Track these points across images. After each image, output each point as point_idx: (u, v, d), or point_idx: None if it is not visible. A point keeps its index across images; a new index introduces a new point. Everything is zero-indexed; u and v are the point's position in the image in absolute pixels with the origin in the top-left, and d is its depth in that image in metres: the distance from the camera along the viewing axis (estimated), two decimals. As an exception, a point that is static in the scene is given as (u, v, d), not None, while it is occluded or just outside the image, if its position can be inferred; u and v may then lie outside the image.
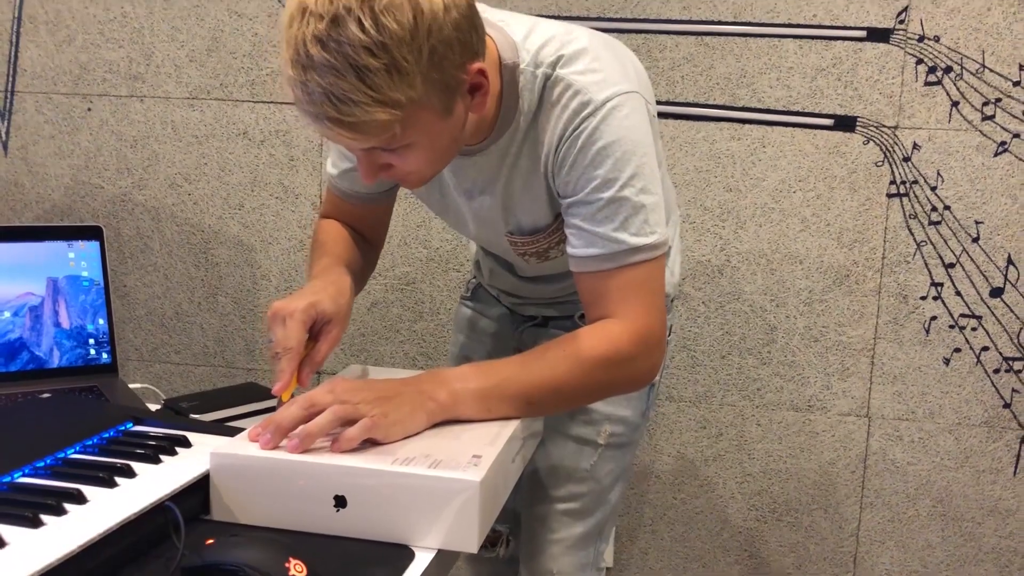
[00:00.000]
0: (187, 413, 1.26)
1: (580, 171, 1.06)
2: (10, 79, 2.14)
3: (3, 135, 2.16)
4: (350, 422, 0.93)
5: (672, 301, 1.40)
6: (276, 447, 0.92)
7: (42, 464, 0.90)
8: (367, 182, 1.06)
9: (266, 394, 1.39)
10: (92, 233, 1.53)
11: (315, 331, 1.08)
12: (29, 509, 0.78)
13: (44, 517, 0.78)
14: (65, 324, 1.51)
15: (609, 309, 1.08)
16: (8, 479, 0.85)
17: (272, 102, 2.06)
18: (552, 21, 1.15)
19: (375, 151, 1.00)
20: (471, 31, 0.97)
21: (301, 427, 0.92)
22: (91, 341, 1.53)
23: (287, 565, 0.78)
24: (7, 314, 1.46)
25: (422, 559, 0.86)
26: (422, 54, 0.91)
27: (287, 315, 1.04)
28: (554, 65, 1.07)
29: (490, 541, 1.72)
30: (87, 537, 0.75)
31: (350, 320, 2.08)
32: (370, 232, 1.34)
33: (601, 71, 1.07)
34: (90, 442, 0.97)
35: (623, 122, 1.06)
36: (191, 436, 1.01)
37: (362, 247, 1.31)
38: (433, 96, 0.95)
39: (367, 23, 0.88)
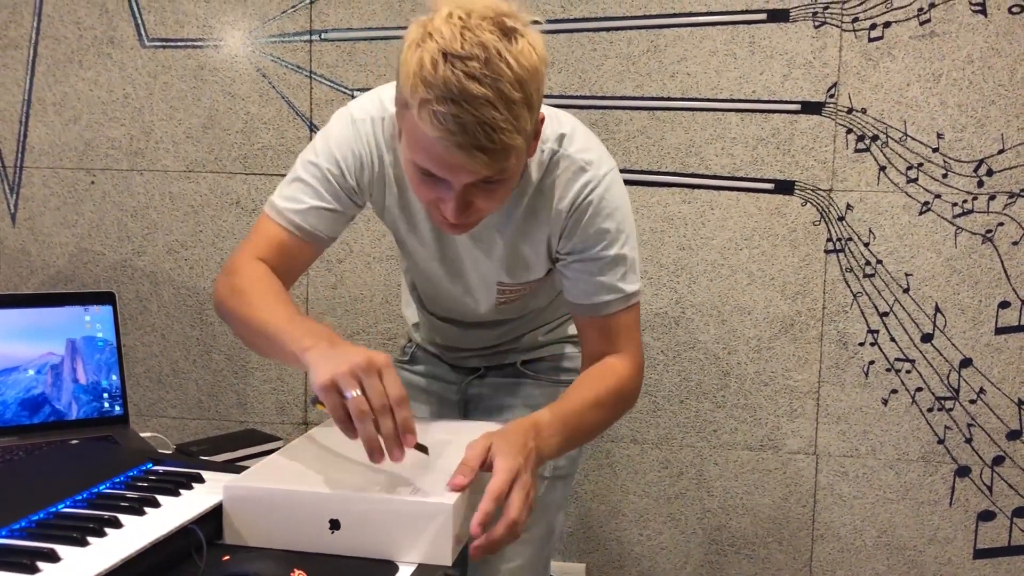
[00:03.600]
0: (197, 455, 1.42)
1: (588, 234, 1.27)
2: (19, 155, 2.31)
3: (12, 207, 2.32)
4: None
5: None
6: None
7: (80, 497, 1.05)
8: (455, 220, 1.16)
9: (265, 438, 1.54)
10: (106, 298, 1.70)
11: None
12: (76, 531, 0.93)
13: (89, 538, 0.93)
14: (82, 380, 1.67)
15: (613, 347, 1.31)
16: (54, 509, 1.01)
17: (263, 174, 2.24)
18: None
19: (472, 188, 1.12)
20: None
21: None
22: (105, 395, 1.69)
23: (292, 574, 0.94)
24: (31, 372, 1.63)
25: (405, 572, 1.01)
26: (539, 93, 1.10)
27: (382, 367, 1.05)
28: (559, 142, 1.27)
29: None
30: (126, 553, 0.91)
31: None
32: (292, 277, 1.34)
33: (593, 149, 1.29)
34: (117, 479, 1.12)
35: (618, 192, 1.29)
36: (204, 473, 1.17)
37: None
38: (532, 132, 1.14)
39: (512, 62, 1.05)
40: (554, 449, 1.19)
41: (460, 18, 1.06)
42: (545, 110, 1.28)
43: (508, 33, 1.06)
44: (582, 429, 1.24)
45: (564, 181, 1.26)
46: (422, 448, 1.06)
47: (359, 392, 1.02)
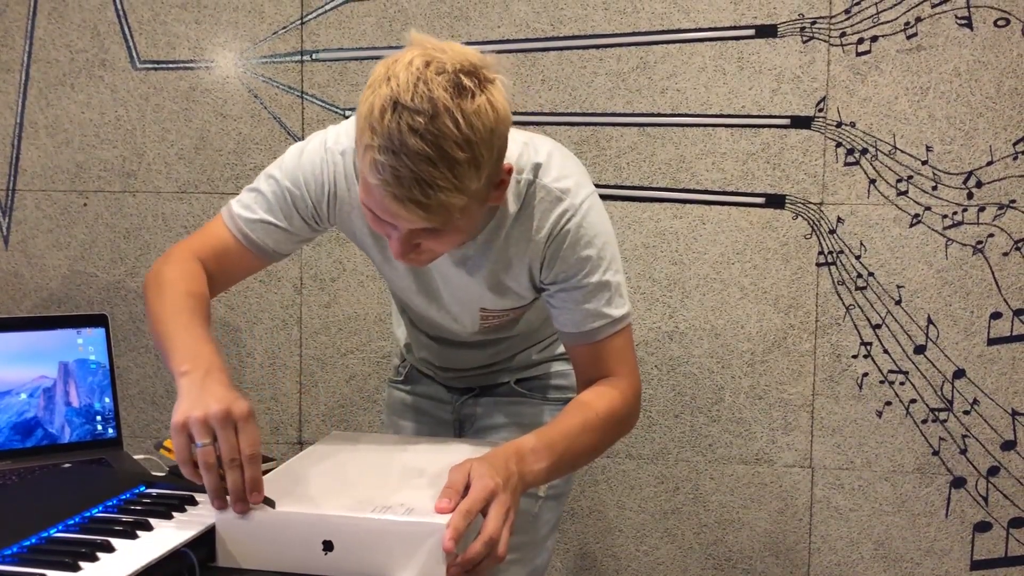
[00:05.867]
0: (190, 478, 1.41)
1: (569, 263, 1.26)
2: (11, 178, 2.31)
3: (4, 230, 2.32)
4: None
5: None
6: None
7: (72, 522, 1.05)
8: (399, 259, 1.16)
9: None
10: (98, 320, 1.70)
11: None
12: (68, 556, 0.93)
13: (81, 563, 0.93)
14: (75, 403, 1.67)
15: (606, 371, 1.30)
16: (46, 534, 1.01)
17: (255, 194, 2.24)
18: (515, 130, 1.29)
19: (418, 231, 1.11)
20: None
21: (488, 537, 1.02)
22: (98, 418, 1.69)
23: (285, 596, 0.93)
24: (23, 395, 1.63)
25: (399, 593, 1.02)
26: (493, 152, 1.08)
27: (239, 419, 1.04)
28: (534, 172, 1.25)
29: None
30: (118, 578, 0.91)
31: (329, 392, 2.22)
32: (229, 280, 1.37)
33: (570, 176, 1.27)
34: (110, 503, 1.12)
35: (596, 218, 1.27)
36: (196, 496, 1.17)
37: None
38: (485, 188, 1.11)
39: (461, 121, 1.03)
40: (541, 475, 1.17)
41: (419, 68, 1.04)
42: (520, 136, 1.28)
43: (463, 91, 1.04)
44: (571, 454, 1.22)
45: (541, 212, 1.25)
46: (269, 502, 1.04)
47: (209, 442, 1.03)
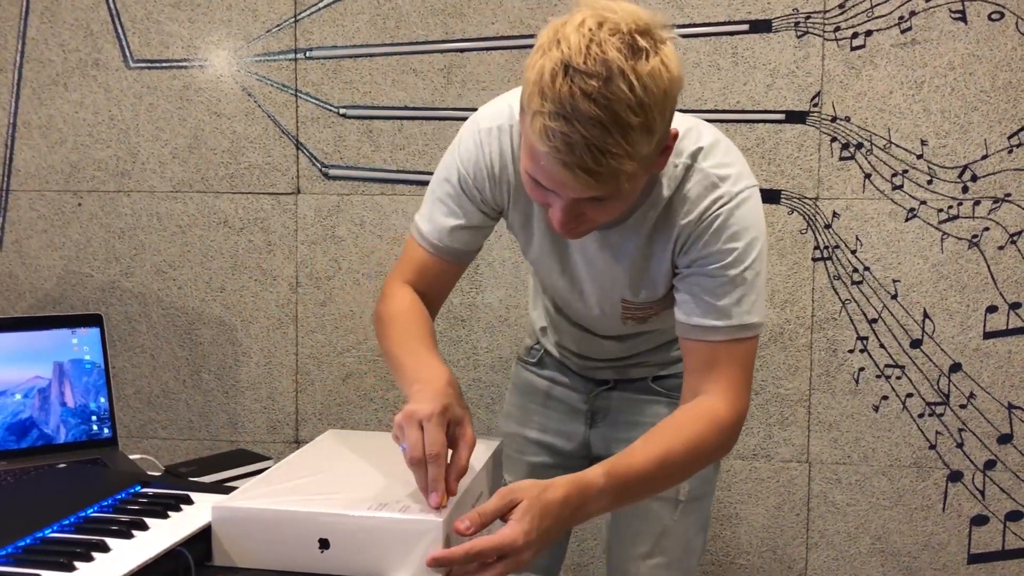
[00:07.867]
0: (186, 476, 1.41)
1: (711, 248, 1.18)
2: (5, 179, 2.31)
3: (-1, 230, 2.32)
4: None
5: None
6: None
7: (67, 522, 1.05)
8: (559, 229, 1.12)
9: (254, 458, 1.54)
10: (93, 320, 1.70)
11: (448, 434, 1.08)
12: (63, 557, 0.93)
13: (76, 563, 0.93)
14: (70, 403, 1.66)
15: (715, 382, 1.19)
16: (41, 534, 1.00)
17: (250, 193, 2.23)
18: (679, 115, 1.17)
19: (582, 200, 1.07)
20: None
21: None
22: (93, 418, 1.69)
23: (281, 595, 0.93)
24: (18, 396, 1.62)
25: (396, 591, 1.01)
26: (665, 116, 1.03)
27: (424, 419, 1.04)
28: (694, 156, 1.19)
29: None
30: (113, 577, 0.91)
31: (326, 390, 2.21)
32: (440, 293, 1.38)
33: (733, 165, 1.20)
34: (106, 503, 1.12)
35: (751, 211, 1.20)
36: (192, 495, 1.16)
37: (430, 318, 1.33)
38: (654, 153, 1.06)
39: (635, 84, 0.98)
40: (594, 513, 1.09)
41: (591, 28, 1.00)
42: (686, 121, 1.21)
43: (638, 52, 1.00)
44: (641, 491, 1.14)
45: (694, 195, 1.19)
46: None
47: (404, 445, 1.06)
